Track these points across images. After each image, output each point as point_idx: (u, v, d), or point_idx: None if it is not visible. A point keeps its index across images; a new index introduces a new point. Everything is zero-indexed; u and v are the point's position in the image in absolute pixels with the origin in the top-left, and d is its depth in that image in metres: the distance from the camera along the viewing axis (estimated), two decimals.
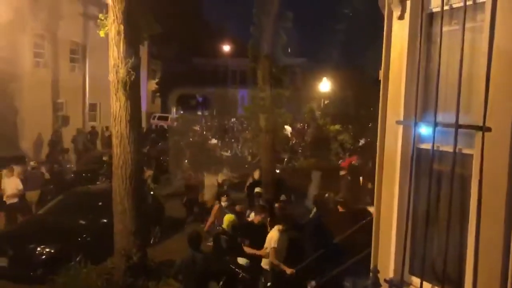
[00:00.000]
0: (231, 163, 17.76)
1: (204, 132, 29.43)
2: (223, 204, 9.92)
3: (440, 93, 4.03)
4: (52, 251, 9.07)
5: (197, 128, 31.09)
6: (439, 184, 4.16)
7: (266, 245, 7.66)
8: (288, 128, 26.01)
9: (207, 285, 7.01)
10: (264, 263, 7.69)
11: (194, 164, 17.03)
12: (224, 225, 8.70)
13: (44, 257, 9.02)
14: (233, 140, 26.03)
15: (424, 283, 4.10)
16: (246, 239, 8.04)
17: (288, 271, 7.29)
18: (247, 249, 7.89)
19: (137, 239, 8.59)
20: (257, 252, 7.75)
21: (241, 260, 7.85)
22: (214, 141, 25.04)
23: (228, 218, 8.84)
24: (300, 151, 23.04)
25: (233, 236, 8.33)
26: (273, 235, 7.62)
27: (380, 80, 4.74)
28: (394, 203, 4.45)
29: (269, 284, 7.35)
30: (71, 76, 24.03)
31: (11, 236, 9.71)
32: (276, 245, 7.47)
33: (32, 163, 13.94)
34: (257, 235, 8.02)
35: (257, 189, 12.29)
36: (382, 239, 4.64)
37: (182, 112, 39.15)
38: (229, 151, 22.64)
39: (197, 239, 7.04)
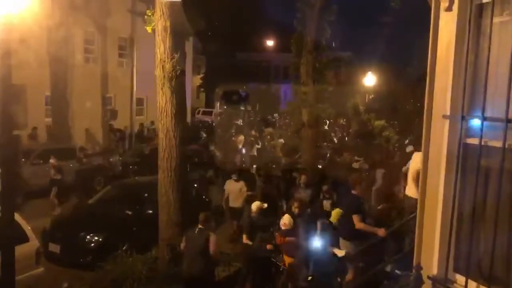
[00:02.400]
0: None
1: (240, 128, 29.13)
2: None
3: (488, 86, 3.91)
4: (100, 239, 9.43)
5: (239, 122, 31.28)
6: (486, 181, 4.04)
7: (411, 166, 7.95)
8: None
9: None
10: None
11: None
12: (333, 219, 8.33)
13: (93, 245, 9.40)
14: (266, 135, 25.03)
15: (469, 281, 4.01)
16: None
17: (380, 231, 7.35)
18: (363, 226, 7.44)
19: (181, 230, 8.79)
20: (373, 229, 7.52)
21: (339, 252, 7.73)
22: (241, 137, 22.39)
23: (336, 212, 8.45)
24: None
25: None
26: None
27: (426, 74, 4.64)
28: (439, 199, 4.35)
29: (310, 277, 7.34)
30: (119, 71, 24.76)
31: (63, 224, 10.15)
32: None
33: None
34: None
35: (254, 207, 8.61)
36: (426, 235, 4.55)
37: (225, 107, 39.57)
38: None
39: None
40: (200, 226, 7.20)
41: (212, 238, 7.04)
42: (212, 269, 7.40)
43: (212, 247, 6.95)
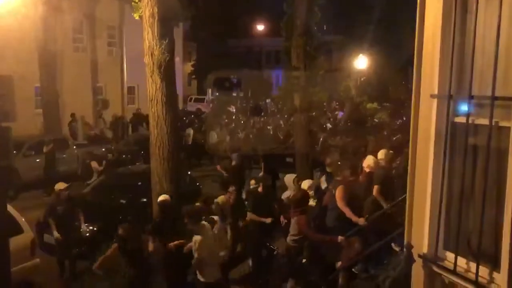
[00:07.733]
0: None
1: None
2: None
3: (475, 64, 3.92)
4: (95, 229, 9.45)
5: (232, 109, 31.19)
6: (474, 158, 4.07)
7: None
8: None
9: None
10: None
11: None
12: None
13: (88, 234, 9.41)
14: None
15: (459, 258, 4.07)
16: None
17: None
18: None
19: None
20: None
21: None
22: (189, 131, 19.81)
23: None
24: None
25: None
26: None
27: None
28: (428, 178, 4.39)
29: (304, 260, 7.40)
30: (109, 60, 24.59)
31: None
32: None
33: None
34: None
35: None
36: (416, 214, 4.60)
37: (217, 93, 39.48)
38: None
39: None
40: None
41: None
42: None
43: None
